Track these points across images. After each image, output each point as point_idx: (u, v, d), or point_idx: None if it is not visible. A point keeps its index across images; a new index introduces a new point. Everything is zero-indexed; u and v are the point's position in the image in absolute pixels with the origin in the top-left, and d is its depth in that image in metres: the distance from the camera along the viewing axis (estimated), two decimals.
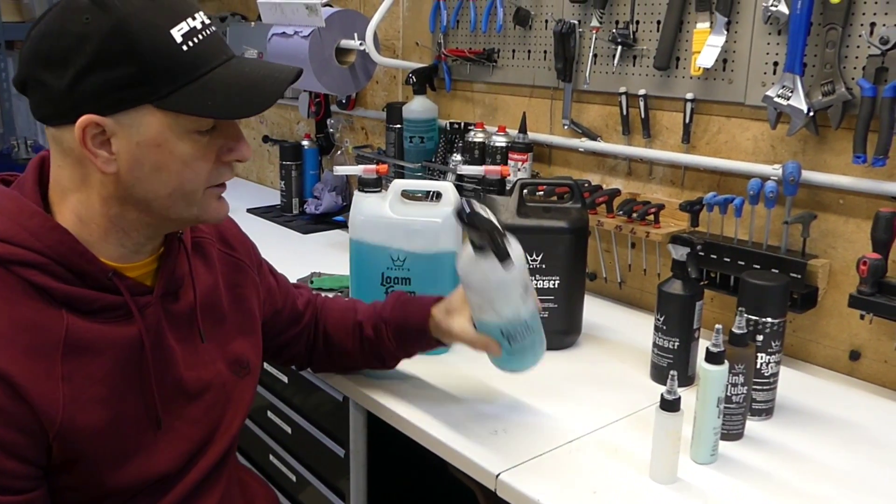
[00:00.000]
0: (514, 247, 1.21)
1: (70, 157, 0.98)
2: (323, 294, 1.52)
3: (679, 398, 1.15)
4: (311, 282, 1.95)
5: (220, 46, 1.01)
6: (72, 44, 0.92)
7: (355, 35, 2.24)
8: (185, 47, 0.95)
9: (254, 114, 1.01)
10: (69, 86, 0.93)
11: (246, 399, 1.23)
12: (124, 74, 0.92)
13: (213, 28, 1.00)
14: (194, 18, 0.97)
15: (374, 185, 1.59)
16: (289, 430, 1.80)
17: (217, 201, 1.07)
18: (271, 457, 1.89)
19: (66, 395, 0.95)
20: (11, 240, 0.95)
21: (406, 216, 1.55)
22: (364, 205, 1.58)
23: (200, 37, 0.97)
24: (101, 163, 0.96)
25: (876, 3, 1.41)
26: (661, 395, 1.15)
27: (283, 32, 2.29)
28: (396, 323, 1.39)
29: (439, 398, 1.42)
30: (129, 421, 1.03)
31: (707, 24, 1.65)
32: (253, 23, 3.02)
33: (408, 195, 1.62)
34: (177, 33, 0.94)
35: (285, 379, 1.79)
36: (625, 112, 1.86)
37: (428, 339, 1.38)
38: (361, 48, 2.22)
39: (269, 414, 1.86)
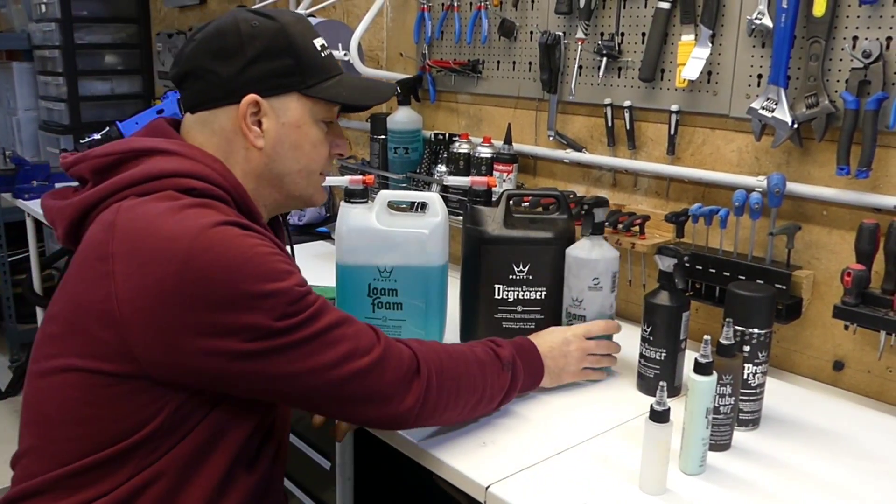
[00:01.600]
0: (605, 249, 1.53)
1: (218, 136, 1.19)
2: None
3: (668, 409, 1.15)
4: None
5: (337, 63, 1.27)
6: (244, 40, 1.16)
7: (339, 45, 2.23)
8: (322, 54, 1.23)
9: (376, 103, 1.33)
10: (238, 72, 1.16)
11: None
12: (283, 65, 1.18)
13: (331, 50, 1.28)
14: (322, 38, 1.25)
15: (361, 196, 1.59)
16: None
17: (321, 188, 1.32)
18: None
19: None
20: (206, 178, 1.12)
21: (393, 227, 1.54)
22: (350, 216, 1.57)
23: (328, 52, 1.25)
24: (254, 137, 1.18)
25: (858, 17, 1.43)
26: (651, 406, 1.15)
27: None
28: None
29: None
30: None
31: (692, 37, 1.67)
32: None
33: (393, 206, 1.62)
34: (317, 43, 1.23)
35: None
36: (610, 123, 1.86)
37: None
38: (346, 59, 2.22)
39: None
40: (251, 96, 1.16)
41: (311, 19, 2.17)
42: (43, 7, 3.76)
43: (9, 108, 4.16)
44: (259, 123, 1.19)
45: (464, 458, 1.25)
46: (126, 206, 1.07)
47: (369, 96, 1.30)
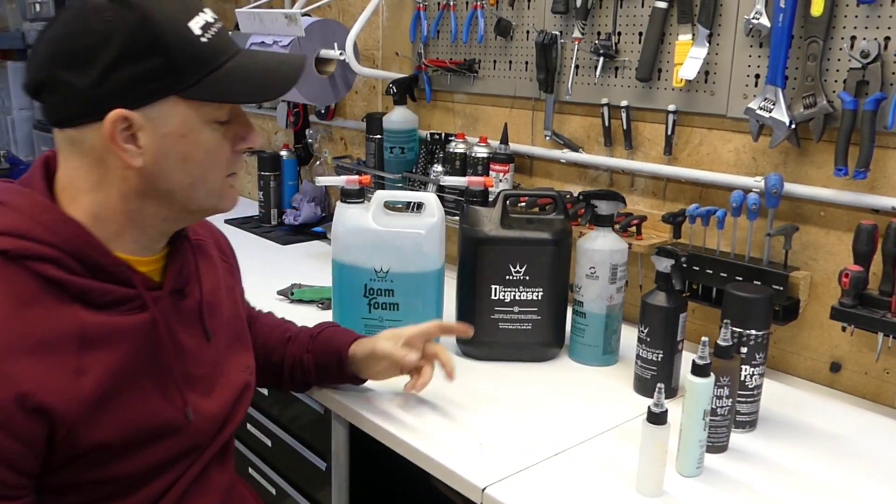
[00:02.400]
0: (609, 241, 1.57)
1: (89, 156, 0.99)
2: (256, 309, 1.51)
3: (666, 411, 1.14)
4: (292, 293, 1.93)
5: (229, 39, 1.04)
6: (97, 41, 0.94)
7: (335, 45, 2.22)
8: (203, 39, 0.98)
9: (277, 96, 1.08)
10: (96, 83, 0.94)
11: (247, 396, 1.25)
12: (151, 67, 0.95)
13: (221, 23, 1.03)
14: (205, 13, 1.00)
15: (357, 196, 1.58)
16: (269, 442, 1.78)
17: (230, 189, 1.09)
18: (251, 469, 1.86)
19: (84, 388, 0.95)
20: (26, 234, 0.95)
21: (389, 227, 1.54)
22: (346, 216, 1.56)
23: (214, 30, 1.00)
24: (129, 157, 0.97)
25: (856, 17, 1.42)
26: (649, 407, 1.15)
27: (262, 42, 2.27)
28: (318, 352, 1.41)
29: (422, 411, 1.41)
30: (147, 409, 1.03)
31: (689, 36, 1.66)
32: (230, 32, 2.99)
33: (389, 206, 1.61)
34: (195, 26, 0.98)
35: (265, 391, 1.77)
36: (607, 123, 1.86)
37: (344, 372, 1.41)
38: (341, 58, 2.21)
39: (249, 426, 1.84)
40: (116, 112, 0.94)
41: (305, 19, 2.15)
42: (37, 6, 3.74)
43: (3, 108, 4.14)
44: (134, 139, 0.97)
45: (460, 460, 1.25)
46: None
47: (270, 87, 1.06)
